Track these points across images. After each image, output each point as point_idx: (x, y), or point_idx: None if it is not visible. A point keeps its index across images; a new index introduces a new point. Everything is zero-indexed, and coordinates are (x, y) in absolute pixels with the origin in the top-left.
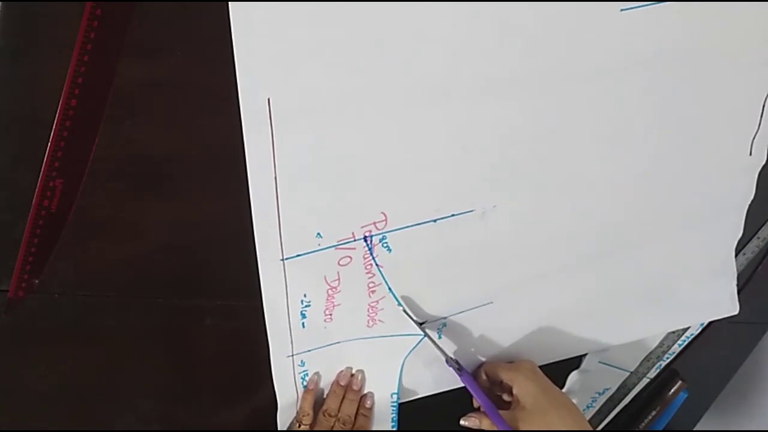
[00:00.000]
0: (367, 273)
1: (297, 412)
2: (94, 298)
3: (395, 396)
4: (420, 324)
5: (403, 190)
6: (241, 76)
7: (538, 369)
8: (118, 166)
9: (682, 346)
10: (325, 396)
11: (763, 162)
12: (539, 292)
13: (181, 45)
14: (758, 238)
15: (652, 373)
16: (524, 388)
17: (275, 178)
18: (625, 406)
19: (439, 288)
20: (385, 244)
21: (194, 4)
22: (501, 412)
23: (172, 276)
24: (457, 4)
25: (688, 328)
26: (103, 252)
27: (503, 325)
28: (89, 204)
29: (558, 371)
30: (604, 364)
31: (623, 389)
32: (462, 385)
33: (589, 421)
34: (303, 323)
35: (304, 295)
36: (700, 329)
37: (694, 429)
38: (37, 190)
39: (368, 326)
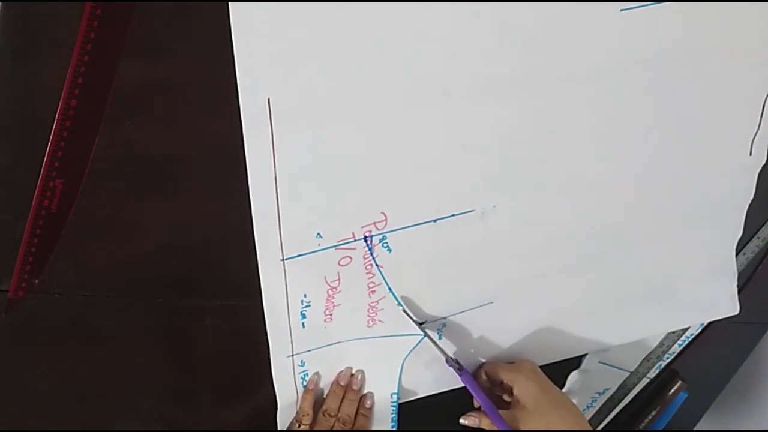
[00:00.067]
0: (367, 273)
1: (297, 412)
2: (94, 298)
3: (395, 396)
4: (420, 324)
5: (403, 190)
6: (241, 76)
7: (539, 369)
8: (118, 166)
9: (682, 346)
10: (325, 396)
11: (763, 162)
12: (539, 292)
13: (181, 45)
14: (758, 238)
15: (652, 373)
16: (525, 388)
17: (275, 178)
18: (625, 406)
19: (439, 288)
20: (385, 244)
21: (194, 4)
22: (501, 411)
23: (172, 276)
24: (457, 4)
25: (688, 328)
26: (103, 252)
27: (503, 325)
28: (89, 204)
29: (558, 371)
30: (604, 364)
31: (623, 389)
32: (462, 385)
33: (589, 421)
34: (303, 323)
35: (304, 295)
36: (700, 329)
37: (694, 429)
38: (37, 190)
39: (368, 326)
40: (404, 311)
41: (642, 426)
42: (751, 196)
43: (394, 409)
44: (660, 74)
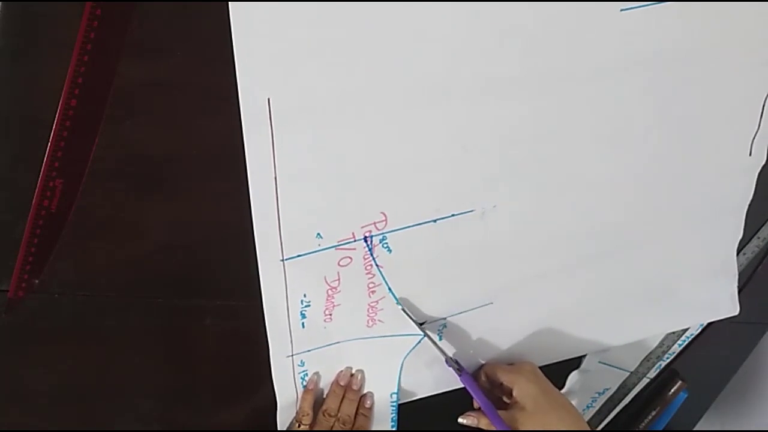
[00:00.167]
0: (367, 273)
1: (297, 412)
2: (94, 298)
3: (395, 396)
4: (420, 324)
5: (403, 190)
6: (241, 76)
7: (539, 371)
8: (118, 166)
9: (682, 346)
10: (324, 396)
11: (763, 162)
12: (539, 292)
13: (181, 45)
14: (758, 238)
15: (652, 373)
16: (525, 389)
17: (275, 178)
18: (625, 406)
19: (439, 288)
20: (385, 245)
21: (194, 4)
22: (500, 412)
23: (172, 276)
24: (457, 4)
25: (688, 328)
26: (103, 252)
27: (503, 325)
28: (89, 204)
29: (558, 371)
30: (604, 364)
31: (623, 389)
32: (462, 385)
33: (589, 421)
34: (303, 323)
35: (304, 295)
36: (700, 329)
37: (694, 429)
38: (37, 190)
39: (368, 326)
40: (404, 311)
41: (642, 426)
42: (751, 196)
43: (394, 409)
44: (660, 74)
